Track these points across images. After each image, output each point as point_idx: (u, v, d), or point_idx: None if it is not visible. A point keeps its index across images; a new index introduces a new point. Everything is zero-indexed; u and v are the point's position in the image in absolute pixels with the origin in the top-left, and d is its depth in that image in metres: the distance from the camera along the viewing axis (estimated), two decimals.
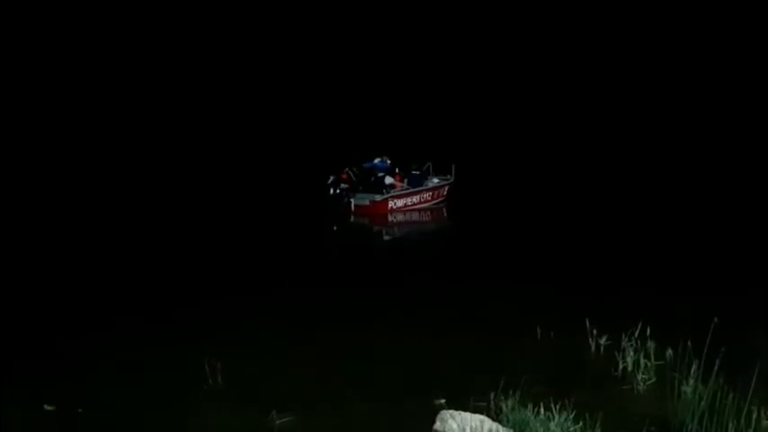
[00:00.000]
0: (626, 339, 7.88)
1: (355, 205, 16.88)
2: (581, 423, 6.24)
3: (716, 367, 6.20)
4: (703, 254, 13.17)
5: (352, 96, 28.85)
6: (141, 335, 9.11)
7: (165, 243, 14.30)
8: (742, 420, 5.77)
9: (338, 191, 16.89)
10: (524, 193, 19.27)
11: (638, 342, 7.79)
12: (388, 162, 18.15)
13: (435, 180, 18.82)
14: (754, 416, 5.81)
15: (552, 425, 6.12)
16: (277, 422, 6.76)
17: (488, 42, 31.39)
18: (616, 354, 7.86)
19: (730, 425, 5.76)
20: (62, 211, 16.44)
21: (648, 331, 7.81)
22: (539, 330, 8.69)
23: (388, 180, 17.42)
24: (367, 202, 16.88)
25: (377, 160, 18.08)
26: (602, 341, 8.25)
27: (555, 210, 17.66)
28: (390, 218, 17.33)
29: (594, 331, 8.29)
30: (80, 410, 7.06)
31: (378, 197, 16.98)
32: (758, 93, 25.55)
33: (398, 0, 31.77)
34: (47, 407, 7.12)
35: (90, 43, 29.02)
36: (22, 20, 27.53)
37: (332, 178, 16.98)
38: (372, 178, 17.27)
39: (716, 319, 6.49)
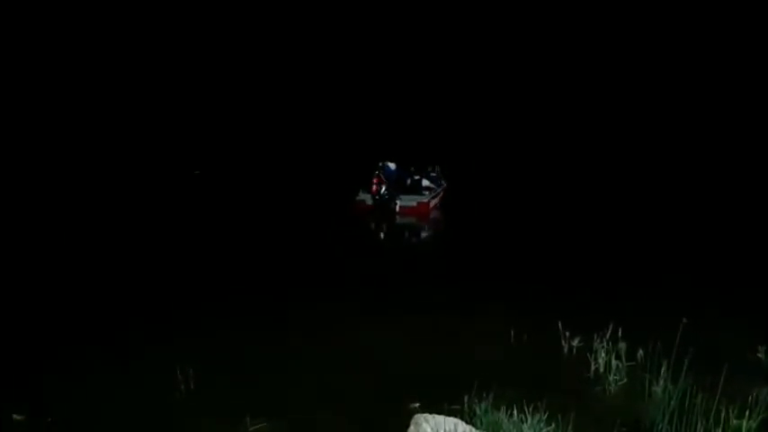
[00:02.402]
0: (598, 341, 7.95)
1: (401, 206, 17.66)
2: (553, 425, 6.29)
3: (685, 367, 6.30)
4: (674, 255, 13.35)
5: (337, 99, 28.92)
6: (113, 341, 8.99)
7: (172, 249, 14.08)
8: (711, 419, 5.86)
9: (386, 194, 17.74)
10: (506, 194, 19.42)
11: (610, 343, 7.87)
12: (393, 166, 18.58)
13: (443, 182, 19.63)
14: (723, 415, 5.90)
15: (525, 427, 6.17)
16: (250, 429, 6.73)
17: (466, 42, 31.54)
18: (588, 355, 7.94)
19: (699, 424, 5.84)
20: (61, 215, 16.19)
21: (620, 332, 7.89)
22: (512, 333, 8.75)
23: (425, 182, 18.36)
24: (414, 204, 17.70)
25: (380, 165, 18.50)
26: (575, 343, 8.32)
27: (532, 211, 17.79)
28: (430, 216, 18.06)
29: (567, 333, 8.36)
30: (50, 420, 6.96)
31: (424, 198, 17.83)
32: (757, 93, 25.90)
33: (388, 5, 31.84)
34: (15, 416, 7.00)
35: (120, 46, 28.71)
36: (22, 20, 27.16)
37: (384, 187, 17.77)
38: (409, 181, 18.16)
39: (685, 320, 6.59)
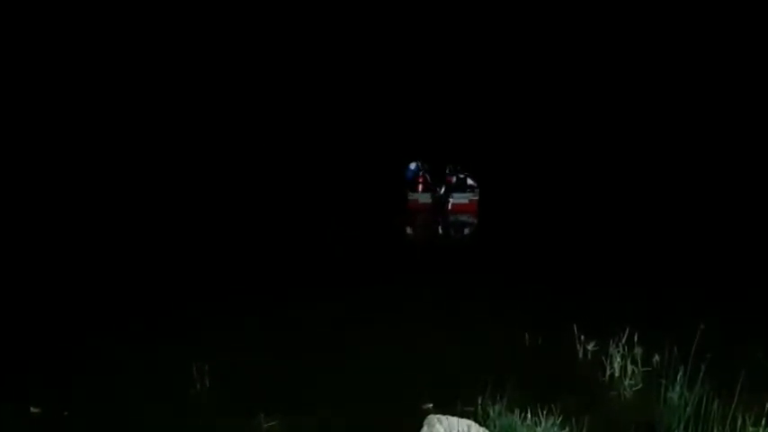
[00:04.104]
0: (613, 345, 7.91)
1: (453, 204, 18.46)
2: (567, 429, 6.27)
3: (701, 373, 6.26)
4: (691, 260, 13.23)
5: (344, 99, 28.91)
6: (129, 336, 9.07)
7: (190, 246, 14.16)
8: (727, 427, 5.82)
9: (442, 192, 18.67)
10: (521, 195, 19.40)
11: (626, 348, 7.82)
12: (413, 165, 19.23)
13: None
14: (739, 422, 5.86)
15: (539, 430, 6.16)
16: (264, 426, 6.77)
17: (472, 41, 31.41)
18: (603, 359, 7.89)
19: (715, 431, 5.81)
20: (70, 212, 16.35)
21: (636, 337, 7.85)
22: (527, 335, 8.73)
23: (470, 181, 18.86)
24: (466, 201, 18.45)
25: (412, 165, 19.09)
26: (590, 347, 8.27)
27: (547, 213, 17.72)
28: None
29: (582, 337, 8.32)
30: (66, 413, 7.04)
31: (474, 196, 18.57)
32: (758, 95, 25.60)
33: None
34: (33, 409, 7.09)
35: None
36: (22, 19, 27.39)
37: (444, 187, 18.67)
38: (454, 179, 18.79)
39: (702, 326, 6.55)
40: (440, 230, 17.68)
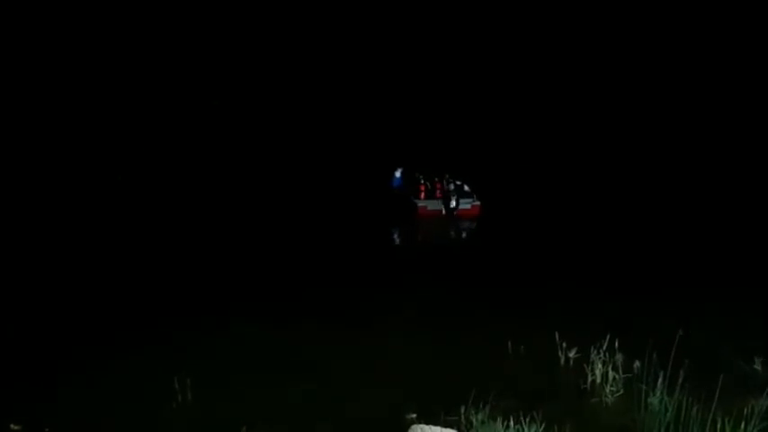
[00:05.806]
0: (595, 352, 7.96)
1: (458, 208, 19.90)
2: None
3: (681, 379, 6.33)
4: (671, 266, 13.36)
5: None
6: (110, 351, 9.00)
7: (173, 258, 14.07)
8: (707, 430, 5.89)
9: (454, 199, 19.91)
10: (503, 203, 19.56)
11: (607, 355, 7.88)
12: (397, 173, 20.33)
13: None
14: (719, 426, 5.93)
15: None
16: None
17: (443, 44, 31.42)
18: (585, 366, 7.95)
19: None
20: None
21: (617, 344, 7.91)
22: (509, 343, 8.77)
23: (466, 188, 20.26)
24: (469, 206, 19.94)
25: (397, 173, 20.27)
26: (572, 354, 8.33)
27: (529, 221, 17.84)
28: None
29: (564, 344, 8.37)
30: (47, 430, 6.97)
31: (475, 201, 20.06)
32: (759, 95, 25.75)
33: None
34: (13, 426, 7.02)
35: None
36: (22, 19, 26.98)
37: (456, 196, 19.89)
38: (452, 186, 20.21)
39: (681, 332, 6.63)
40: (436, 236, 18.16)
